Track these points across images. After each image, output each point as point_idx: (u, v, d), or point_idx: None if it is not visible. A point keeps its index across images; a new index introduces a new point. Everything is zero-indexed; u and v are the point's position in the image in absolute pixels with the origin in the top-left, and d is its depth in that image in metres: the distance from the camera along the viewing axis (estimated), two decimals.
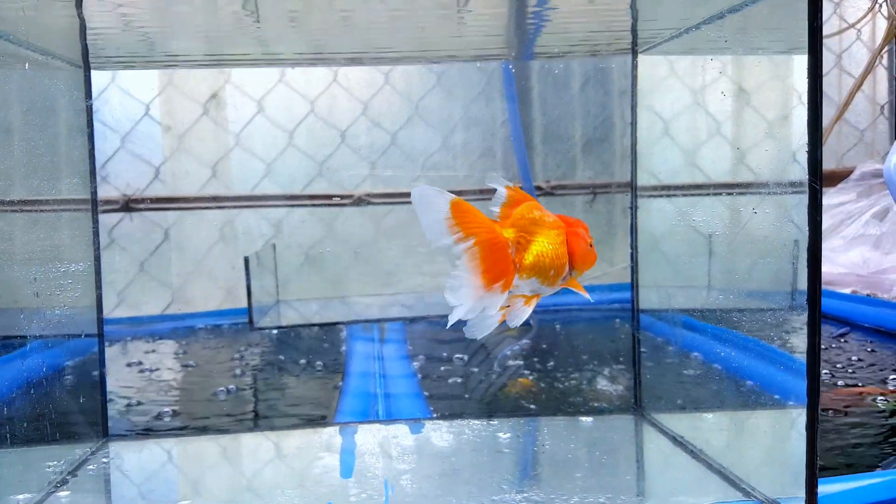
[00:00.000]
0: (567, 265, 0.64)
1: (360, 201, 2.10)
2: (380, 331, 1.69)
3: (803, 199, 0.63)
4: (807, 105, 0.59)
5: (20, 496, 0.71)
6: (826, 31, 2.37)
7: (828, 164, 2.38)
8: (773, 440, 0.73)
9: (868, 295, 1.76)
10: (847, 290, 1.79)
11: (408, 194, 2.06)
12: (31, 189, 0.80)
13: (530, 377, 1.17)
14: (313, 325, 1.77)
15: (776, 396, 0.87)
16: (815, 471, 0.58)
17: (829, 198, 2.07)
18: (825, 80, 2.53)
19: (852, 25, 2.32)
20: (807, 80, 0.58)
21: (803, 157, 0.98)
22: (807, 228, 0.58)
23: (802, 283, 0.89)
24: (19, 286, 0.79)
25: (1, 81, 0.72)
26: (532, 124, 2.19)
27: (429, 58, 1.32)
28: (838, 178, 2.16)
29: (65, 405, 0.85)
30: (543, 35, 1.27)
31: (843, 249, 1.91)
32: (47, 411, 0.81)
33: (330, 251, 2.13)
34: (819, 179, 0.59)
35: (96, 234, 0.86)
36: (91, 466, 0.82)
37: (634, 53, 0.88)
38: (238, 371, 1.38)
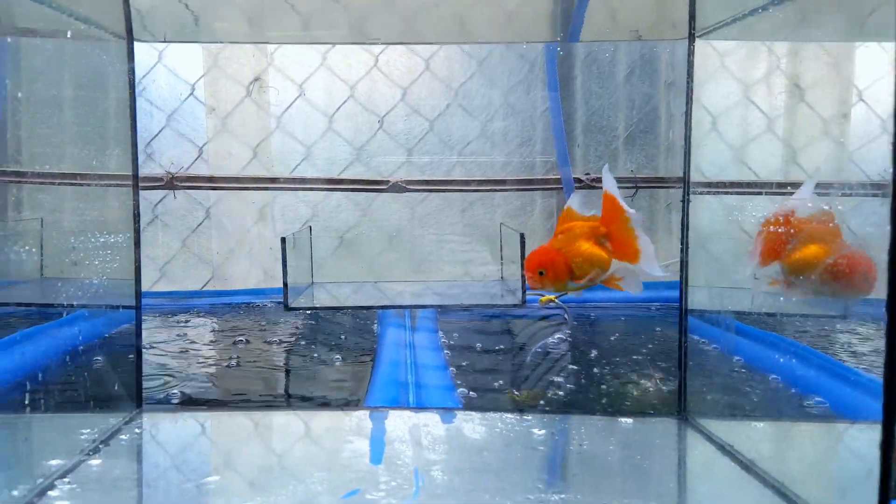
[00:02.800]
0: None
1: (396, 187, 2.09)
2: (412, 317, 1.68)
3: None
4: (894, 93, 0.55)
5: (53, 461, 0.72)
6: None
7: None
8: (836, 456, 0.70)
9: None
10: None
11: (444, 181, 2.04)
12: (75, 159, 0.81)
13: (519, 392, 1.12)
14: (345, 307, 1.76)
15: (843, 412, 0.83)
16: (888, 494, 0.54)
17: None
18: None
19: None
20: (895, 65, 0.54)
21: (861, 157, 0.93)
22: (889, 227, 0.54)
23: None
24: (61, 256, 0.79)
25: (46, 49, 0.72)
26: (574, 114, 2.15)
27: (473, 39, 1.29)
28: None
29: (100, 375, 0.86)
30: (590, 16, 1.23)
31: None
32: (83, 380, 0.82)
33: (365, 234, 2.13)
34: None
35: (136, 205, 0.86)
36: (124, 436, 0.83)
37: (692, 38, 0.84)
38: (272, 348, 1.38)
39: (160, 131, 2.10)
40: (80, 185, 0.80)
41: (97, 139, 0.85)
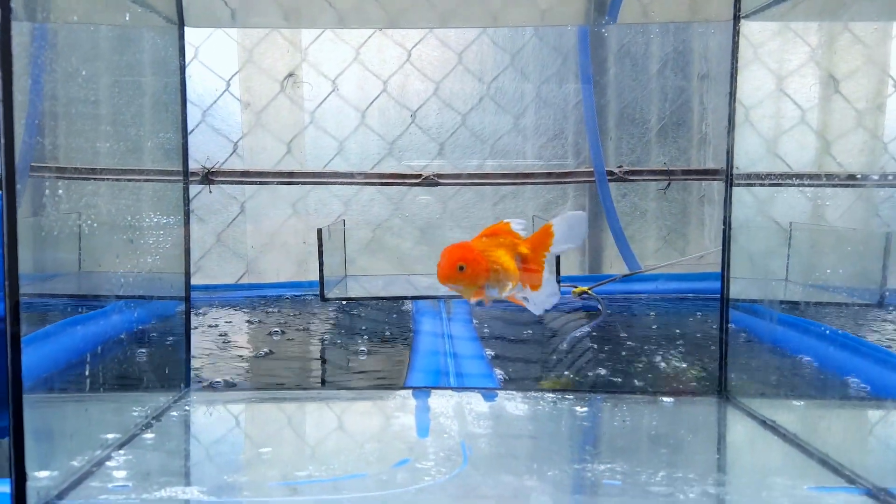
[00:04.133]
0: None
1: (428, 181, 2.10)
2: (447, 309, 1.69)
3: None
4: None
5: (109, 435, 0.74)
6: None
7: None
8: (882, 431, 0.69)
9: None
10: None
11: (476, 175, 2.04)
12: (129, 150, 0.83)
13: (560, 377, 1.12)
14: (379, 297, 1.78)
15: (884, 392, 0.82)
16: None
17: None
18: None
19: None
20: None
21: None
22: None
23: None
24: (117, 247, 0.82)
25: (101, 33, 0.74)
26: (606, 106, 2.14)
27: (509, 23, 1.30)
28: None
29: (152, 357, 0.88)
30: (623, 9, 1.22)
31: None
32: (137, 361, 0.84)
33: (397, 228, 2.15)
34: None
35: (186, 188, 0.88)
36: (174, 413, 0.85)
37: (737, 19, 0.83)
38: (312, 337, 1.40)
39: (196, 127, 2.13)
40: (131, 180, 0.82)
41: (149, 125, 0.87)
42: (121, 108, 0.80)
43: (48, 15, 0.66)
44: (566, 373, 1.09)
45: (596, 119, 2.03)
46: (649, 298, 1.90)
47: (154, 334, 0.89)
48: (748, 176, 0.92)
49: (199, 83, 2.14)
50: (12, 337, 0.59)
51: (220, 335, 1.43)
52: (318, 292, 1.66)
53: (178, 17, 0.86)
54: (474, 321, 1.57)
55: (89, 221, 0.75)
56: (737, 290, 0.95)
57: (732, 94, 0.86)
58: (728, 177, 0.88)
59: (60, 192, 0.73)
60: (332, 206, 2.18)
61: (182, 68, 0.87)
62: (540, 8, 1.18)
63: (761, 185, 0.93)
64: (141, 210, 0.87)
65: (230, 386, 1.01)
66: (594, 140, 2.04)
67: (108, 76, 0.78)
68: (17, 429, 0.60)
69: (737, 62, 0.85)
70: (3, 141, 0.55)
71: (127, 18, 0.75)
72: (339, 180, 2.13)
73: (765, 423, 0.78)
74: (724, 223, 0.88)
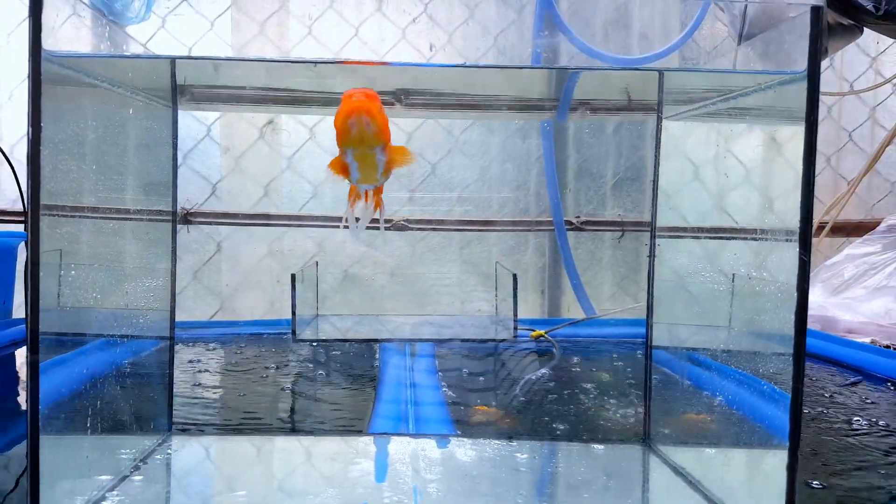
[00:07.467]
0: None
1: (398, 226, 2.23)
2: (411, 345, 1.80)
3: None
4: (801, 184, 0.69)
5: (102, 477, 0.84)
6: (862, 84, 2.44)
7: (856, 215, 2.42)
8: (767, 475, 0.81)
9: (888, 346, 1.80)
10: (867, 340, 1.84)
11: (443, 221, 2.18)
12: (128, 203, 0.94)
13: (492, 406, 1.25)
14: (349, 339, 1.88)
15: (772, 434, 0.95)
16: None
17: (855, 248, 2.12)
18: (858, 132, 2.55)
19: (888, 80, 2.37)
20: (801, 166, 0.68)
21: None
22: (795, 293, 0.68)
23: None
24: (107, 288, 0.91)
25: (116, 121, 0.86)
26: (566, 161, 2.29)
27: (474, 107, 1.43)
28: (866, 228, 2.20)
29: (136, 400, 0.97)
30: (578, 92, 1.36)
31: (866, 299, 1.96)
32: (122, 405, 0.93)
33: (368, 269, 2.26)
34: (808, 254, 0.68)
35: (174, 238, 0.99)
36: (158, 456, 0.94)
37: (659, 119, 0.98)
38: (286, 375, 1.50)
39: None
40: (131, 219, 0.93)
41: (146, 185, 0.99)
42: (121, 172, 0.91)
43: (75, 110, 0.77)
44: (499, 408, 1.21)
45: (555, 172, 2.18)
46: (603, 342, 2.03)
47: (137, 376, 0.98)
48: (688, 230, 1.06)
49: (182, 127, 2.23)
50: (31, 365, 0.67)
51: (197, 373, 1.51)
52: (289, 330, 1.76)
53: (172, 101, 0.97)
54: (436, 359, 1.68)
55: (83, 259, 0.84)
56: (670, 337, 1.08)
57: (655, 181, 1.00)
58: (651, 252, 1.02)
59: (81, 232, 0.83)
60: (305, 246, 2.28)
61: (174, 144, 0.99)
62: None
63: (696, 237, 1.06)
64: (131, 251, 0.96)
65: (208, 428, 1.10)
66: (553, 191, 2.18)
67: (115, 143, 0.89)
68: (33, 467, 0.69)
69: (659, 155, 0.99)
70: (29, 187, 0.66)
71: (131, 112, 0.86)
72: (314, 223, 2.24)
73: (676, 471, 0.90)
74: (648, 285, 1.01)
